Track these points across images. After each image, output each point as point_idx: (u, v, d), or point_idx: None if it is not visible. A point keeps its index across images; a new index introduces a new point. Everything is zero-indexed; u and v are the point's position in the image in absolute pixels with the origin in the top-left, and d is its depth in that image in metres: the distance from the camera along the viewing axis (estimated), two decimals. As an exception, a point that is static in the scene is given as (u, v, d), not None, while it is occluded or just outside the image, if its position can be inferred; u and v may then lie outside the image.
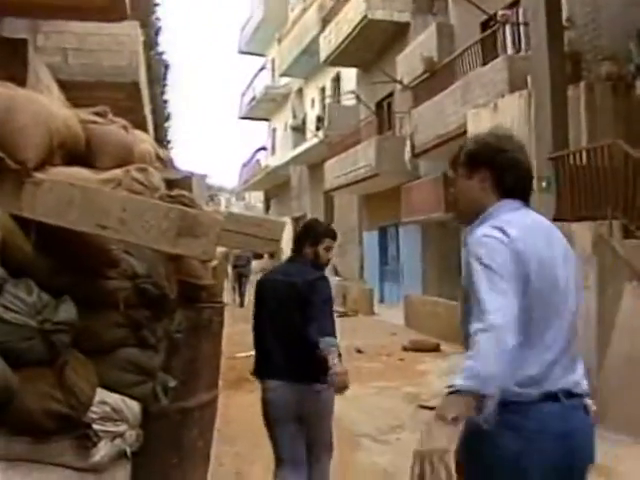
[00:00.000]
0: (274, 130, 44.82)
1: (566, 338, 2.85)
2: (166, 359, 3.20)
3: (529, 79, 12.63)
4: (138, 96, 14.00)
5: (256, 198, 55.02)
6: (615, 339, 8.50)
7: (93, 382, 2.83)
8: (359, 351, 14.20)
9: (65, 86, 11.54)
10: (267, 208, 48.26)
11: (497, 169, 2.90)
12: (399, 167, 20.47)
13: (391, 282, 24.77)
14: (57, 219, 2.56)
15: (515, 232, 2.70)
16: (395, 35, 23.32)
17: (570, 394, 2.83)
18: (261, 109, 43.88)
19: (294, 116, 38.39)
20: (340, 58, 26.77)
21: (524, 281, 2.64)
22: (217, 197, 60.07)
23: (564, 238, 3.09)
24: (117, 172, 2.91)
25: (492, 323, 2.45)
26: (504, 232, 2.69)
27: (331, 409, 4.88)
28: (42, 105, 2.83)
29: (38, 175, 2.63)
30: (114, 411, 2.89)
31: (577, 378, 2.94)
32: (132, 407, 2.99)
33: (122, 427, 2.92)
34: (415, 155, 18.94)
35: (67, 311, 2.66)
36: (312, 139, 31.52)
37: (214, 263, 3.52)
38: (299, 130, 36.24)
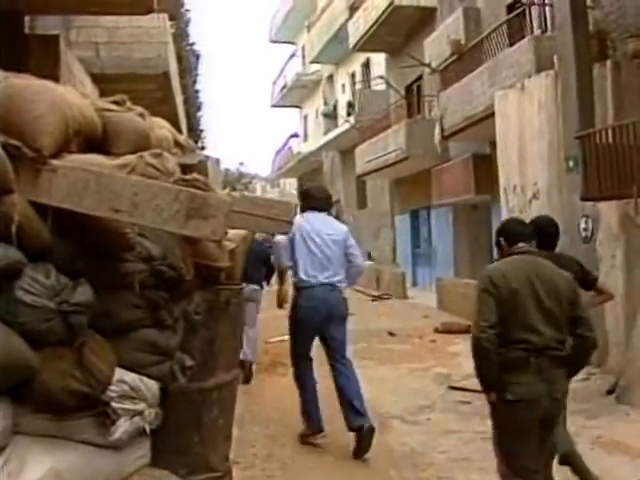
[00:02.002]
0: (305, 117, 44.91)
1: (321, 264, 6.97)
2: (184, 340, 3.29)
3: (555, 59, 12.60)
4: (169, 86, 14.20)
5: (290, 185, 55.16)
6: (642, 318, 8.52)
7: (111, 361, 2.93)
8: (391, 334, 14.30)
9: (98, 79, 11.75)
10: (301, 194, 48.30)
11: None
12: (429, 150, 20.48)
13: (423, 265, 24.81)
14: (72, 204, 2.68)
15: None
16: (422, 20, 23.31)
17: (327, 283, 6.99)
18: (292, 96, 43.99)
19: (325, 102, 38.45)
20: (369, 44, 26.83)
21: (309, 242, 6.97)
22: (252, 185, 60.42)
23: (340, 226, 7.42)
24: (131, 158, 3.01)
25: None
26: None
27: None
28: (57, 94, 2.94)
29: (54, 162, 2.74)
30: (132, 390, 2.99)
31: (327, 275, 7.00)
32: (150, 386, 3.09)
33: (141, 405, 3.02)
34: (444, 137, 18.93)
35: (84, 293, 2.77)
36: (343, 125, 31.60)
37: (232, 246, 3.61)
38: (330, 116, 36.30)
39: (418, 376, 10.51)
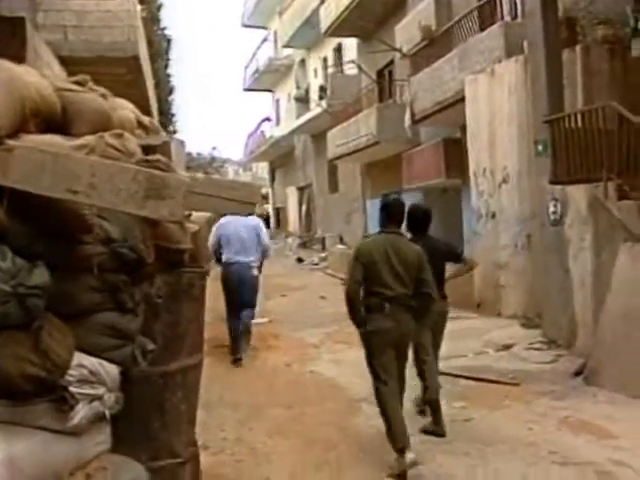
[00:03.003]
0: (278, 101, 44.83)
1: (243, 245, 10.20)
2: (146, 323, 3.23)
3: (525, 45, 12.65)
4: (139, 70, 14.06)
5: (263, 169, 55.08)
6: (610, 299, 8.57)
7: (69, 345, 2.88)
8: (362, 318, 14.28)
9: (66, 62, 11.62)
10: (272, 178, 48.33)
11: None
12: (400, 134, 20.44)
13: (395, 249, 24.78)
14: (29, 185, 2.62)
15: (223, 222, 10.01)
16: (394, 5, 23.26)
17: (242, 262, 10.22)
18: (265, 81, 43.88)
19: (297, 87, 38.40)
20: (340, 29, 26.81)
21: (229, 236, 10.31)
22: (224, 169, 60.23)
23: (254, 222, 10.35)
24: (90, 138, 2.96)
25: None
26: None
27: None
28: (13, 74, 2.88)
29: (10, 142, 2.69)
30: (92, 374, 2.94)
31: (245, 259, 10.25)
32: (110, 370, 3.04)
33: (100, 390, 2.97)
34: (415, 122, 18.94)
35: (40, 275, 2.71)
36: (315, 109, 31.54)
37: (195, 228, 3.56)
38: (302, 100, 36.29)
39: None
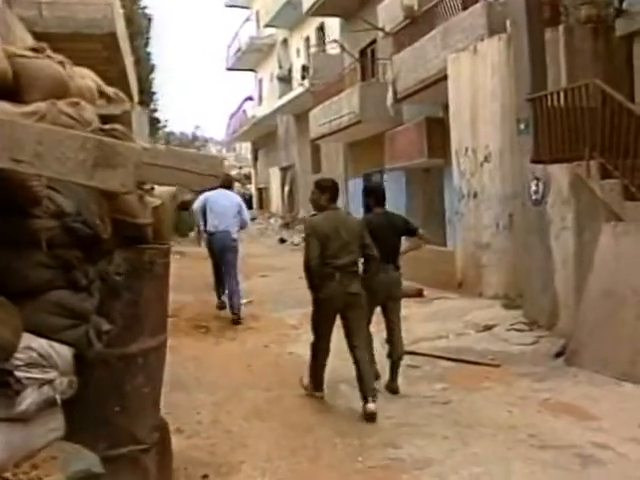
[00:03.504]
0: (260, 81, 44.57)
1: (225, 218, 11.75)
2: (104, 302, 3.07)
3: (508, 23, 12.52)
4: (116, 47, 13.88)
5: (247, 149, 54.80)
6: (592, 279, 8.49)
7: (16, 326, 2.72)
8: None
9: (41, 38, 11.38)
10: (255, 158, 48.11)
11: None
12: (383, 114, 20.31)
13: (377, 230, 24.68)
14: (-31, 154, 2.45)
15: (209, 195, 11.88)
16: (376, -16, 23.02)
17: (223, 230, 11.77)
18: (247, 60, 43.61)
19: (280, 66, 38.16)
20: (322, 8, 26.62)
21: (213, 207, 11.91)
22: (205, 148, 59.90)
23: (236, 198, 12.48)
24: (41, 105, 2.79)
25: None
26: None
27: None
28: (-41, 40, 2.72)
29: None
30: (41, 357, 2.78)
31: (224, 226, 11.78)
32: (62, 352, 2.88)
33: (51, 374, 2.81)
34: (397, 100, 18.80)
35: (-18, 251, 2.56)
36: (298, 88, 31.33)
37: (157, 202, 3.39)
38: (285, 80, 36.10)
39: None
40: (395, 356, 7.87)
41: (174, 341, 10.20)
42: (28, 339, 2.74)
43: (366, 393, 7.00)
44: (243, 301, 12.56)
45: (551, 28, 10.98)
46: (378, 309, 7.98)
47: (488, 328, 10.61)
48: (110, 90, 3.69)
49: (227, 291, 12.25)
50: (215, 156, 3.46)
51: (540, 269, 10.22)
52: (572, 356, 8.40)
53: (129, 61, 17.32)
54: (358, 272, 7.37)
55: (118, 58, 14.91)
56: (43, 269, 2.82)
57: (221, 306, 12.50)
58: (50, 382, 2.79)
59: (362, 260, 7.51)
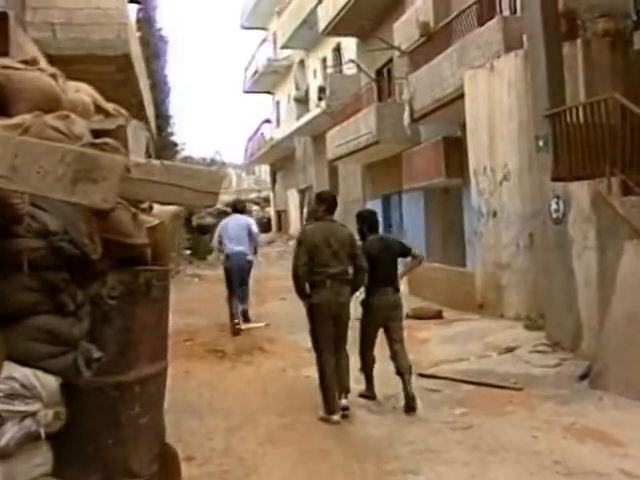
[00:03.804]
0: (278, 103, 44.55)
1: (237, 241, 13.32)
2: (96, 328, 2.88)
3: (524, 39, 12.35)
4: (130, 69, 13.83)
5: (266, 172, 54.74)
6: (615, 300, 8.25)
7: (-5, 355, 2.52)
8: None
9: (55, 60, 11.35)
10: (273, 181, 48.04)
11: None
12: (400, 133, 20.17)
13: (396, 250, 24.46)
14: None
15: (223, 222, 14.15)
16: (392, 3, 22.96)
17: (238, 251, 13.28)
18: (264, 82, 43.62)
19: (297, 88, 38.11)
20: (338, 28, 26.56)
21: (229, 231, 13.71)
22: (222, 171, 59.89)
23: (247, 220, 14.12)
24: (25, 117, 2.63)
25: None
26: None
27: None
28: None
29: None
30: (24, 387, 2.60)
31: (240, 248, 13.30)
32: (47, 382, 2.70)
33: (34, 406, 2.63)
34: (414, 120, 18.63)
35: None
36: (315, 110, 31.24)
37: (154, 222, 3.19)
38: (302, 102, 36.03)
39: (386, 363, 10.18)
40: (403, 369, 8.02)
41: (189, 366, 10.22)
42: (10, 368, 2.55)
43: (342, 389, 7.73)
44: (258, 324, 13.36)
45: (569, 42, 10.78)
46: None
47: (510, 350, 10.36)
48: (109, 106, 3.54)
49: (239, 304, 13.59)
50: (214, 171, 3.23)
51: (562, 289, 9.98)
52: (596, 378, 8.15)
53: (144, 84, 17.29)
54: (349, 280, 7.77)
55: (132, 80, 14.86)
56: (27, 292, 2.64)
57: (236, 332, 12.98)
58: (33, 415, 2.60)
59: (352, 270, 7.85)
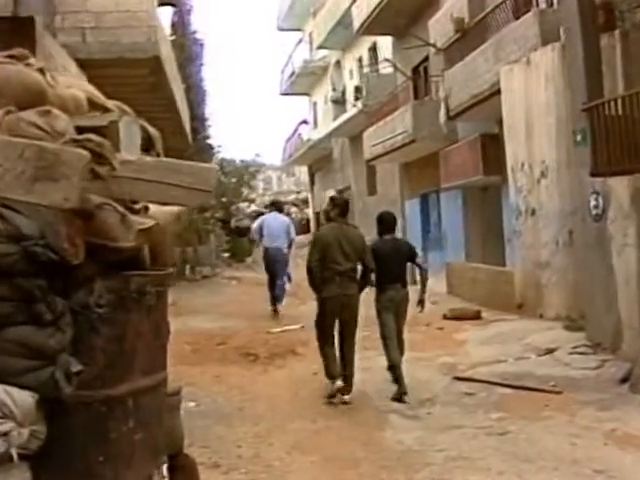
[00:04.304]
0: (315, 104, 44.36)
1: (276, 236, 15.26)
2: (82, 339, 2.66)
3: (561, 31, 12.02)
4: (161, 72, 13.75)
5: (306, 174, 54.61)
6: (658, 299, 7.94)
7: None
8: (397, 322, 13.77)
9: (85, 65, 11.31)
10: (312, 182, 47.90)
11: None
12: (436, 131, 19.84)
13: (434, 250, 24.15)
14: None
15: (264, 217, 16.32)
16: (426, 0, 22.64)
17: (275, 246, 15.22)
18: (301, 84, 43.42)
19: (333, 88, 37.89)
20: (373, 27, 26.22)
21: (268, 226, 15.55)
22: (266, 173, 60.02)
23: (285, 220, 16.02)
24: (-4, 113, 2.45)
25: None
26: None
27: None
28: None
29: None
30: (-6, 406, 2.39)
31: (276, 244, 15.23)
32: (21, 399, 2.50)
33: (6, 425, 2.43)
34: (450, 117, 18.32)
35: None
36: (351, 110, 31.03)
37: (148, 223, 2.95)
38: (339, 102, 35.80)
39: (422, 366, 9.97)
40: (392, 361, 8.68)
41: (220, 370, 10.09)
42: (-22, 385, 2.36)
43: (345, 379, 8.38)
44: (293, 327, 13.10)
45: (606, 34, 10.43)
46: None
47: (549, 351, 10.07)
48: (111, 102, 3.35)
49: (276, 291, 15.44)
50: (209, 167, 2.98)
51: (602, 288, 9.66)
52: (637, 382, 7.83)
53: (177, 87, 17.21)
54: (356, 277, 8.59)
55: (164, 83, 14.79)
56: (-1, 302, 2.44)
57: (275, 310, 15.28)
58: (5, 434, 2.40)
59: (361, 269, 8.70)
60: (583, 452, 6.17)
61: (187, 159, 16.76)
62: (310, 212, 47.66)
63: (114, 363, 2.85)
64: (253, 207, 40.49)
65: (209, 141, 31.80)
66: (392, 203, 28.01)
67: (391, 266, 8.73)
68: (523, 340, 10.98)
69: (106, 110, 3.24)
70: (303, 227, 41.73)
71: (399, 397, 8.32)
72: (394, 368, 8.57)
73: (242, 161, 31.27)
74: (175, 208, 3.12)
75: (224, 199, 29.10)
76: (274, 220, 15.66)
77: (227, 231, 33.33)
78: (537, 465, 5.94)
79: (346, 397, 8.30)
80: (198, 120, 29.00)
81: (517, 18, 14.57)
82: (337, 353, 8.59)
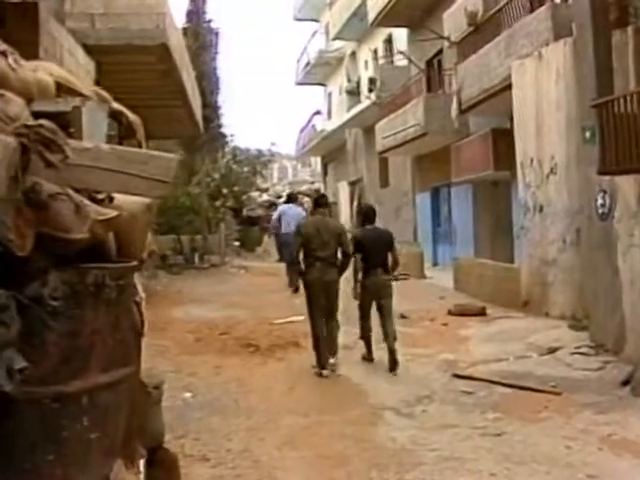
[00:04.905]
0: (330, 94, 44.24)
1: (292, 223, 13.90)
2: (34, 333, 2.54)
3: (574, 27, 11.83)
4: (170, 59, 13.72)
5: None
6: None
7: None
8: (402, 316, 13.63)
9: (94, 51, 11.26)
10: (325, 173, 47.78)
11: None
12: (448, 125, 19.76)
13: (444, 244, 24.09)
14: None
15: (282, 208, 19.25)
16: (442, -9, 22.52)
17: (290, 232, 12.61)
18: (316, 74, 43.32)
19: (348, 79, 37.79)
20: (388, 19, 26.27)
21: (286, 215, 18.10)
22: (281, 163, 59.97)
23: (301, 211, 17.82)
24: None
25: None
26: None
27: None
28: None
29: None
30: None
31: (290, 229, 13.40)
32: None
33: None
34: (462, 111, 18.20)
35: None
36: (365, 102, 30.90)
37: (110, 214, 2.82)
38: (354, 93, 35.68)
39: (422, 363, 9.86)
40: (388, 336, 9.54)
41: (221, 361, 10.03)
42: None
43: (330, 351, 9.45)
44: (296, 318, 12.60)
45: (619, 30, 10.25)
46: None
47: (551, 351, 9.93)
48: (85, 87, 3.24)
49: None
50: (168, 157, 2.84)
51: (606, 289, 9.51)
52: (639, 386, 7.69)
53: (187, 74, 17.12)
54: (335, 263, 9.56)
55: (174, 71, 14.72)
56: None
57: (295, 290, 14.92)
58: None
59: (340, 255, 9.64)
60: (577, 456, 6.04)
61: (199, 146, 17.10)
62: (322, 202, 47.44)
63: (68, 359, 2.73)
64: (265, 196, 40.42)
65: (222, 130, 31.78)
66: (403, 195, 27.94)
67: (373, 253, 9.73)
68: (526, 338, 10.84)
69: (81, 96, 3.13)
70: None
71: (366, 358, 10.00)
72: (367, 340, 10.01)
73: (258, 150, 31.23)
74: (145, 199, 3.01)
75: (236, 188, 28.96)
76: (289, 209, 18.32)
77: (238, 220, 33.30)
78: (530, 468, 5.82)
79: (332, 360, 9.42)
80: (211, 108, 28.95)
81: (532, 12, 14.41)
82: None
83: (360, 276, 9.82)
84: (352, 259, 9.68)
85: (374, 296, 9.78)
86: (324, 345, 9.43)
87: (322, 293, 9.49)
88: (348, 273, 9.93)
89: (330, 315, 9.61)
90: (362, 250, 9.71)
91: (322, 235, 9.47)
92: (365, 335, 9.99)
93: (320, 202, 10.27)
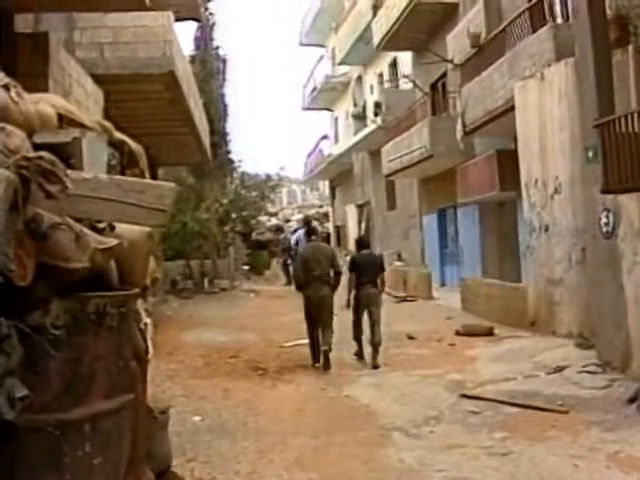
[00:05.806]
0: (336, 119, 44.46)
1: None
2: (37, 361, 2.59)
3: (576, 47, 11.92)
4: (177, 86, 13.80)
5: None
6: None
7: None
8: (410, 337, 13.69)
9: (103, 80, 11.37)
10: (332, 196, 47.92)
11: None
12: (453, 147, 19.87)
13: (451, 265, 24.12)
14: None
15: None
16: (445, 15, 22.79)
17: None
18: (323, 99, 43.59)
19: (355, 104, 37.98)
20: (392, 43, 26.45)
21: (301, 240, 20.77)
22: (290, 187, 60.15)
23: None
24: None
25: None
26: None
27: None
28: None
29: None
30: None
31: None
32: None
33: None
34: (467, 133, 18.29)
35: None
36: (371, 125, 31.04)
37: (111, 242, 2.89)
38: (360, 117, 35.83)
39: (430, 383, 9.88)
40: (374, 341, 11.44)
41: (229, 384, 10.08)
42: None
43: (324, 346, 11.12)
44: (304, 340, 12.28)
45: (620, 49, 10.33)
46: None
47: (559, 370, 9.94)
48: (89, 118, 3.32)
49: None
50: (165, 186, 2.88)
51: (612, 306, 9.54)
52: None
53: (194, 102, 17.24)
54: (329, 281, 11.48)
55: (180, 99, 14.82)
56: None
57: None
58: None
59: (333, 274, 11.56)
60: (585, 474, 6.05)
61: (207, 173, 17.27)
62: (330, 226, 47.62)
63: (70, 386, 2.78)
64: (274, 221, 40.55)
65: (230, 156, 31.94)
66: (411, 217, 28.02)
67: (365, 272, 11.71)
68: (534, 358, 10.86)
69: (83, 126, 3.21)
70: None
71: (357, 355, 11.89)
72: (358, 340, 11.86)
73: (267, 175, 31.36)
74: (145, 228, 3.07)
75: (244, 213, 29.08)
76: (304, 234, 19.27)
77: (247, 244, 33.42)
78: (537, 486, 5.85)
79: (324, 347, 11.14)
80: (219, 135, 29.11)
81: (534, 32, 14.50)
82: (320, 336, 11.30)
83: (354, 290, 11.73)
84: (348, 276, 11.78)
85: (365, 304, 11.72)
86: (318, 346, 11.27)
87: (316, 306, 11.33)
88: (341, 289, 11.78)
89: (325, 325, 11.30)
90: (357, 269, 11.74)
91: (318, 258, 11.46)
92: (357, 336, 11.86)
93: (310, 232, 13.23)
